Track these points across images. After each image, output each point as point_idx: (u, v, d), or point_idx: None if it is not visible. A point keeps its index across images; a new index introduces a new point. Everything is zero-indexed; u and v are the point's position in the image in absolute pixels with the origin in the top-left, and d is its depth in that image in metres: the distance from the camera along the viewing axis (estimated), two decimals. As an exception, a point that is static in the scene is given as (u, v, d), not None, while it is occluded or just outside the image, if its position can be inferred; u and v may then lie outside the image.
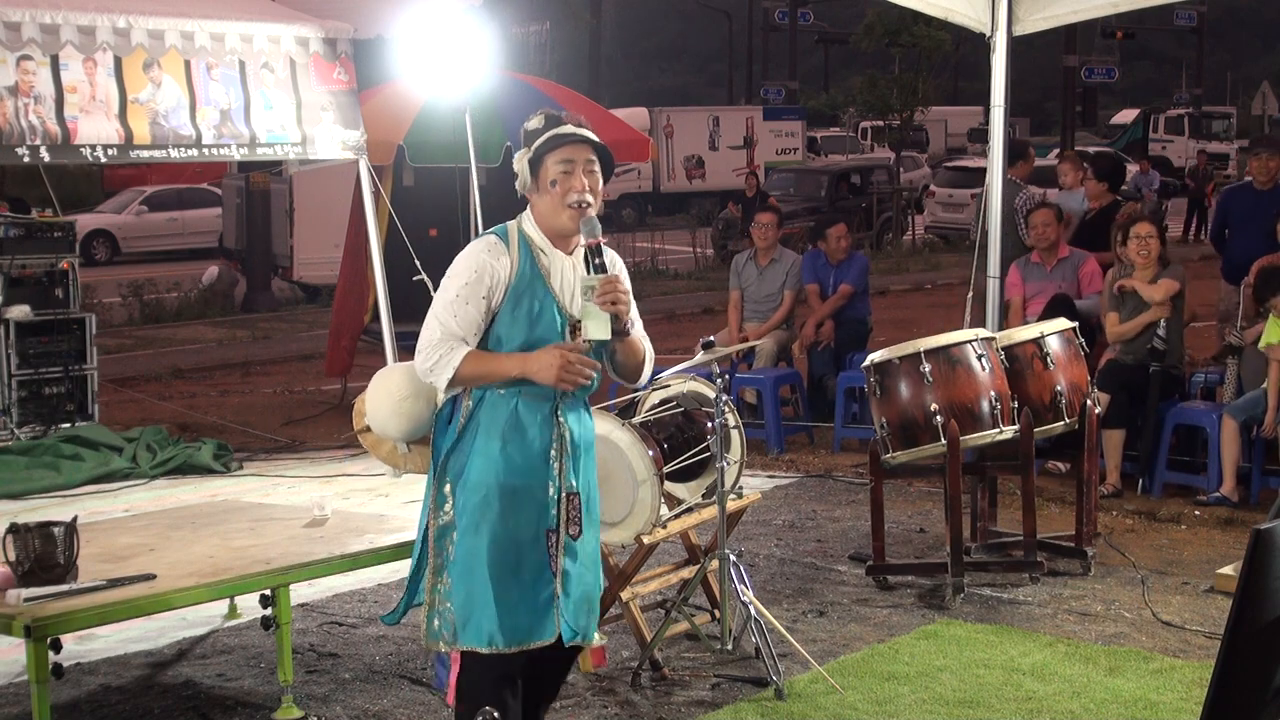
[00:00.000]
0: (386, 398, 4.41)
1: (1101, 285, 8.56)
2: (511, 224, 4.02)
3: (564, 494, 3.96)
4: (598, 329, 3.89)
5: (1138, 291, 8.02)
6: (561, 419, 3.96)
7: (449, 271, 3.95)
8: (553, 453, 3.95)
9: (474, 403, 3.94)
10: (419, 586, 4.06)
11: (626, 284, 3.97)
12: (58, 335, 9.65)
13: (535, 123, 3.98)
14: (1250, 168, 9.69)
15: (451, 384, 3.88)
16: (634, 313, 4.00)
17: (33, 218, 10.09)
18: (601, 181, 3.98)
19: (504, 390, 3.91)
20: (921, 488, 8.25)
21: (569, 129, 3.94)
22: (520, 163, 3.96)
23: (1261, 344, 7.78)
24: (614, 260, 4.05)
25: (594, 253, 3.91)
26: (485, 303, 3.90)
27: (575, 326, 3.95)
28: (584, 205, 3.91)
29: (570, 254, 4.00)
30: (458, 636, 3.94)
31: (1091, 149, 39.42)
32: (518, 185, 3.99)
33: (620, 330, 3.91)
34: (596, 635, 4.15)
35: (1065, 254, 8.81)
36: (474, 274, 3.89)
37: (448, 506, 3.95)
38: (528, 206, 4.04)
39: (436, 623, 3.97)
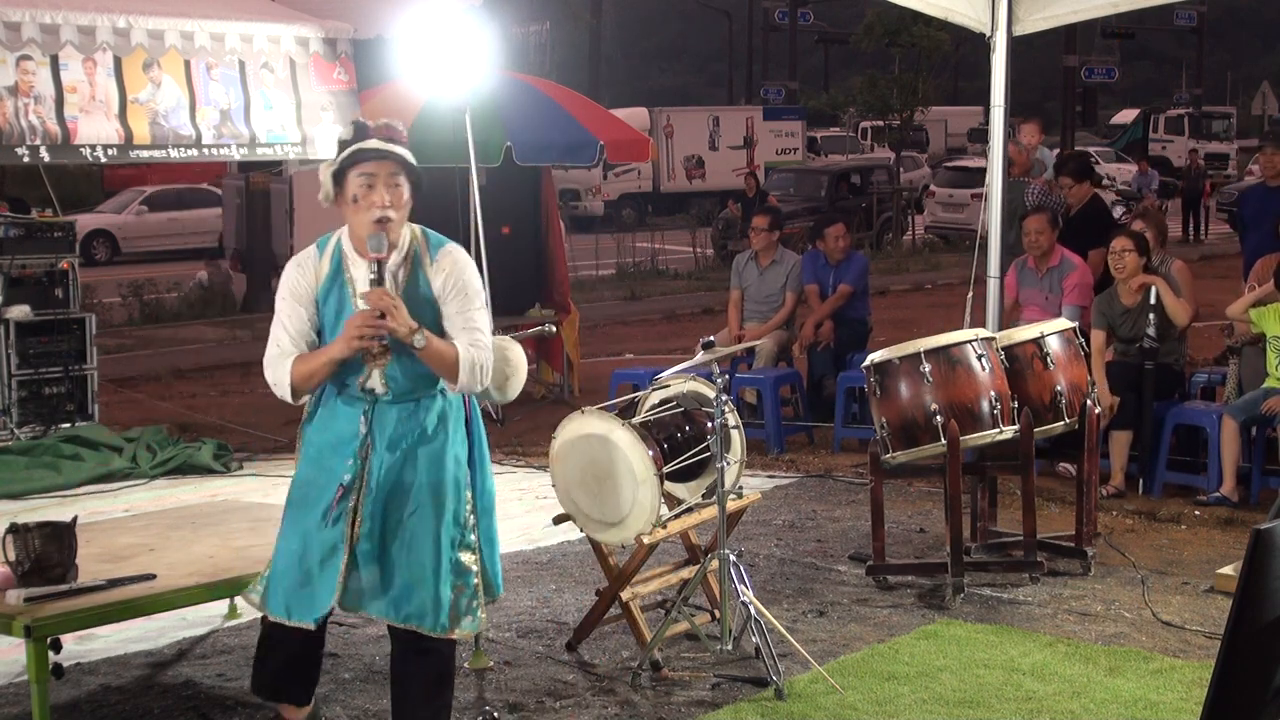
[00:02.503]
0: None
1: (1082, 299, 8.46)
2: (334, 233, 4.21)
3: (343, 487, 4.11)
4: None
5: (1164, 308, 7.94)
6: (368, 419, 4.14)
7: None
8: (356, 448, 4.12)
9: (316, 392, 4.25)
10: None
11: (464, 286, 4.12)
12: (58, 335, 9.65)
13: (346, 132, 4.15)
14: (1260, 164, 9.74)
15: (295, 393, 4.13)
16: (479, 319, 4.12)
17: (33, 218, 10.08)
18: (408, 193, 4.10)
19: (328, 383, 4.17)
20: (921, 488, 8.25)
21: (373, 144, 4.05)
22: (325, 174, 4.08)
23: (1254, 314, 7.81)
24: (451, 266, 4.14)
25: (376, 267, 4.03)
26: (305, 311, 4.14)
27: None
28: (385, 220, 4.03)
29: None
30: (265, 601, 4.21)
31: (1093, 148, 39.51)
32: (320, 196, 4.11)
33: (412, 346, 4.03)
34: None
35: (1056, 262, 8.63)
36: (288, 289, 4.16)
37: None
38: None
39: (261, 585, 4.23)
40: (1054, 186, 9.63)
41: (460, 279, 4.16)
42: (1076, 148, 28.73)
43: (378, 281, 4.01)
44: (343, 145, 4.09)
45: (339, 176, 4.05)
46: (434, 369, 4.13)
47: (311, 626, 4.14)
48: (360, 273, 4.10)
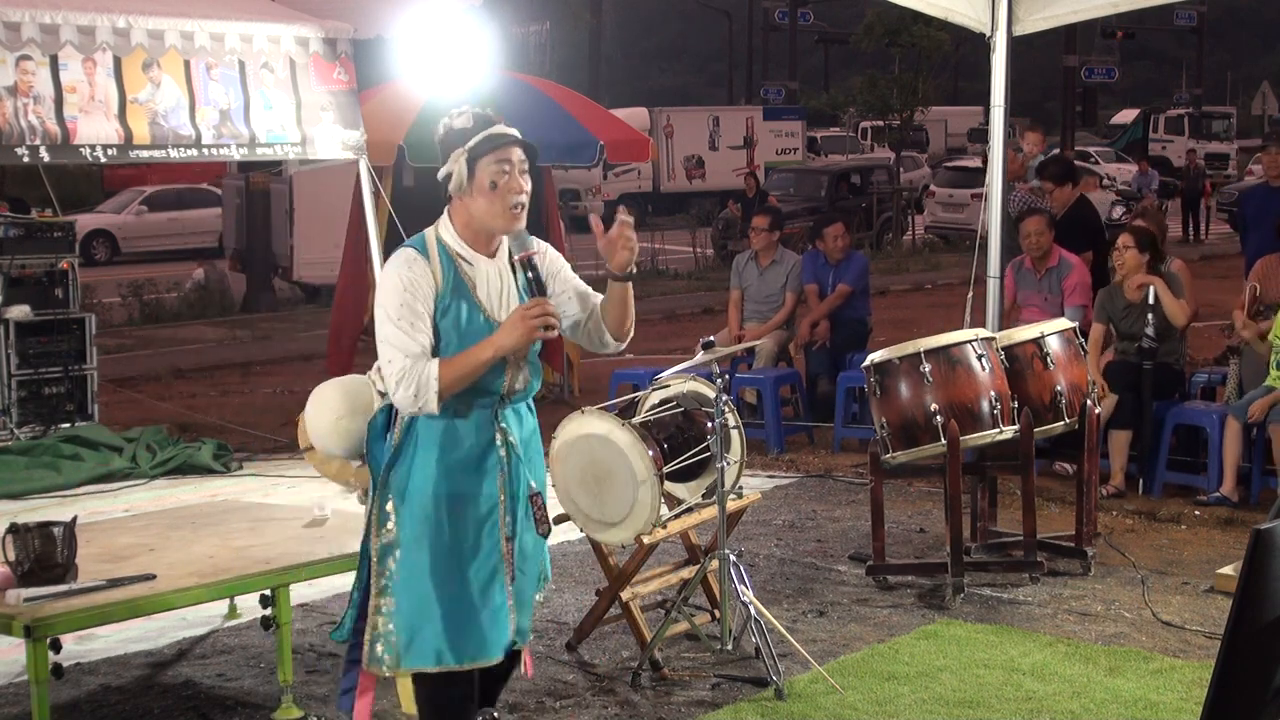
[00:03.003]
0: (321, 418, 4.35)
1: (1084, 298, 8.46)
2: (428, 233, 3.96)
3: (522, 496, 3.92)
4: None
5: (1163, 308, 7.94)
6: (502, 423, 3.92)
7: (380, 298, 3.87)
8: (497, 457, 3.90)
9: (409, 415, 3.89)
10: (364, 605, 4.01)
11: (563, 261, 4.04)
12: (58, 335, 9.65)
13: (463, 121, 3.90)
14: (1262, 164, 9.76)
15: (441, 400, 3.78)
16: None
17: (33, 218, 10.09)
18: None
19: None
20: (921, 488, 8.25)
21: (502, 129, 3.88)
22: (457, 163, 3.86)
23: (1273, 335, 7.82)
24: (545, 248, 4.03)
25: (525, 267, 3.86)
26: (427, 315, 3.83)
27: None
28: (523, 207, 3.87)
29: (493, 257, 3.94)
30: (400, 659, 3.89)
31: (1093, 148, 39.49)
32: (452, 188, 3.89)
33: (622, 277, 3.92)
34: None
35: (1054, 262, 8.63)
36: (406, 292, 3.82)
37: (390, 524, 3.89)
38: (444, 213, 3.97)
39: (379, 647, 3.90)
40: (1040, 192, 9.62)
41: (558, 256, 4.07)
42: (1077, 148, 28.76)
43: (535, 280, 3.84)
44: (461, 134, 3.87)
45: (470, 165, 3.85)
46: (619, 314, 4.00)
47: (492, 661, 3.89)
48: (481, 270, 3.89)
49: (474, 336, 3.84)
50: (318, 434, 4.42)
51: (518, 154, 3.87)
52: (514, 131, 3.90)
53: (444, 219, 3.97)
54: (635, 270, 3.97)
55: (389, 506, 3.89)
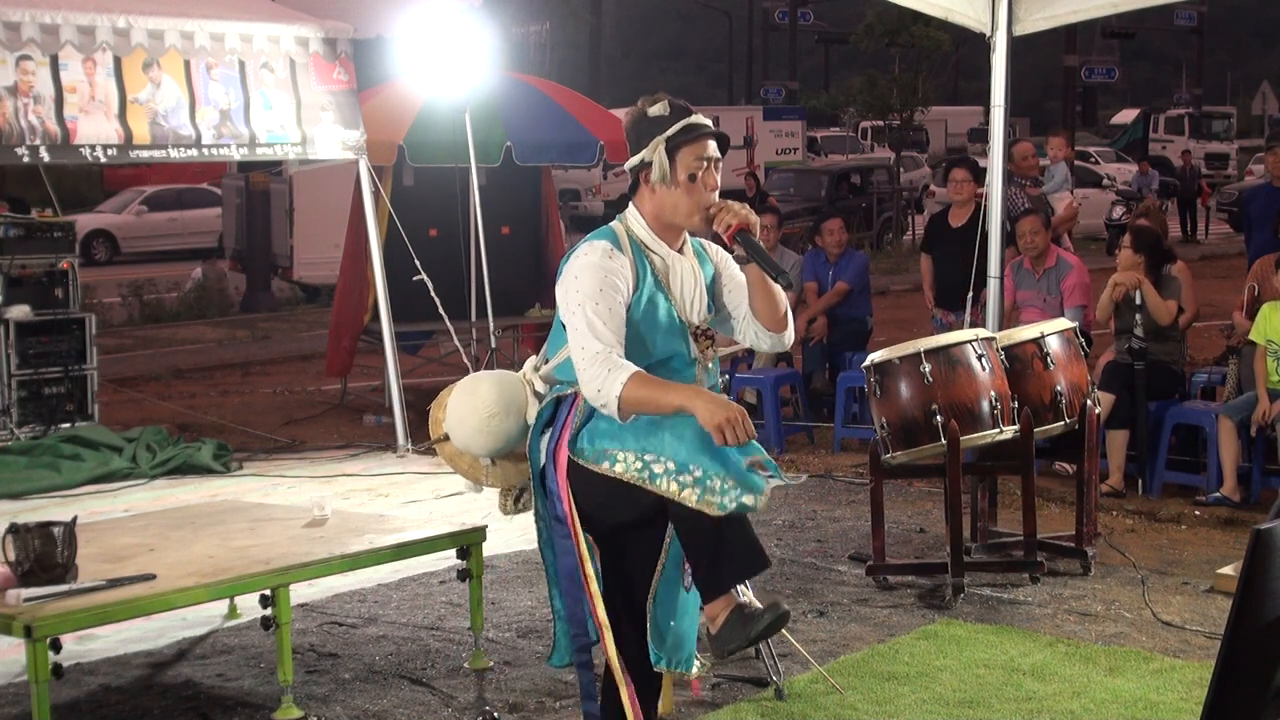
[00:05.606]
0: (472, 413, 4.01)
1: (1083, 299, 8.49)
2: (616, 226, 3.76)
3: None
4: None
5: (1147, 301, 7.96)
6: None
7: (572, 286, 3.65)
8: None
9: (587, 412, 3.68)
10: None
11: (730, 262, 3.87)
12: (58, 335, 9.64)
13: (659, 109, 3.73)
14: (1266, 164, 9.79)
15: (621, 413, 3.55)
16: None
17: (33, 218, 10.08)
18: None
19: None
20: (921, 488, 8.24)
21: (700, 119, 3.71)
22: (657, 153, 3.67)
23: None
24: (717, 248, 3.91)
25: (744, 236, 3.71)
26: (623, 310, 3.63)
27: (695, 333, 3.75)
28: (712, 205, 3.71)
29: (680, 252, 3.78)
30: (566, 658, 3.86)
31: (1093, 148, 39.50)
32: (654, 178, 3.69)
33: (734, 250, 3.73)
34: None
35: (1052, 263, 8.64)
36: (608, 281, 3.62)
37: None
38: (628, 206, 3.79)
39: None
40: (1042, 200, 9.65)
41: (726, 254, 3.89)
42: (1077, 148, 28.76)
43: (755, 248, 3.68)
44: (658, 122, 3.70)
45: (670, 154, 3.68)
46: (762, 301, 3.78)
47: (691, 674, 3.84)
48: (675, 266, 3.73)
49: (668, 337, 3.71)
50: (463, 428, 4.03)
51: (713, 147, 3.72)
52: (709, 122, 3.74)
53: (631, 212, 3.78)
54: (754, 243, 3.68)
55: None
